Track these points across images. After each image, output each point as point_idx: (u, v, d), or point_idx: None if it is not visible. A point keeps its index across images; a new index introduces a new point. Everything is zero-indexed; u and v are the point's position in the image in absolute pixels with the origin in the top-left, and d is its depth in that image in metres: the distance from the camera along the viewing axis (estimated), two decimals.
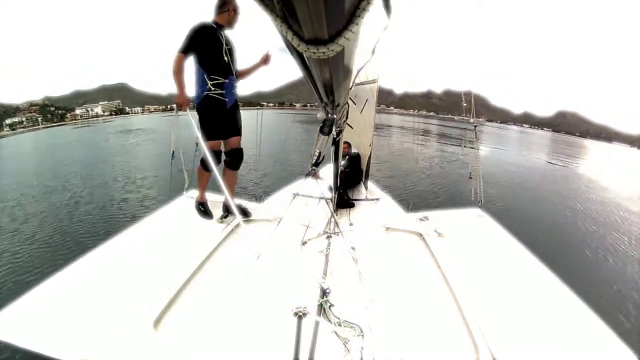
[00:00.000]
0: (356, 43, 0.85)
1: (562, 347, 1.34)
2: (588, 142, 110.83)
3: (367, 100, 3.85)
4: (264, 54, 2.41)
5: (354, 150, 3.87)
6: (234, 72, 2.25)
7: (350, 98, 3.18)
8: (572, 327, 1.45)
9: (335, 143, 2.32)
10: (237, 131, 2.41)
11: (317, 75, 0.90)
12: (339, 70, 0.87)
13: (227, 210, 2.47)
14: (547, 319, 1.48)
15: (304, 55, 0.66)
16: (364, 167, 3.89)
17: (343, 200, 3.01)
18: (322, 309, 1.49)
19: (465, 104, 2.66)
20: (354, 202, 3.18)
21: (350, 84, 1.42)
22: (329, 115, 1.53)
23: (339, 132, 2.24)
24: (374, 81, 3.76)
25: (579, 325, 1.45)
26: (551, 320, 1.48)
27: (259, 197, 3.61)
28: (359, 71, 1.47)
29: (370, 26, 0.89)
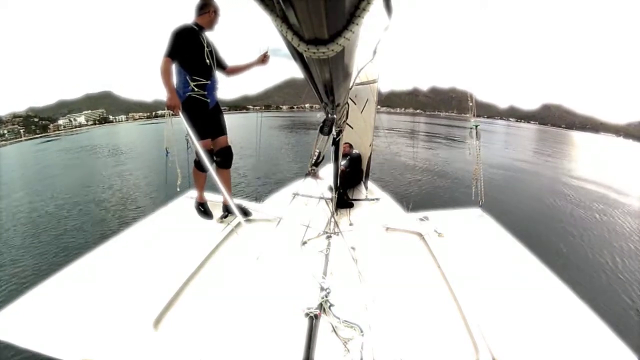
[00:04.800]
0: (356, 43, 0.85)
1: (562, 347, 1.34)
2: (576, 134, 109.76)
3: (367, 100, 3.84)
4: (262, 53, 2.40)
5: (354, 150, 3.87)
6: (215, 74, 2.28)
7: (350, 98, 3.17)
8: (572, 327, 1.45)
9: (336, 143, 2.32)
10: (223, 130, 2.44)
11: (317, 76, 0.90)
12: (339, 70, 0.87)
13: (227, 210, 2.47)
14: (547, 319, 1.48)
15: (304, 56, 0.66)
16: (364, 167, 3.89)
17: (343, 200, 3.00)
18: (322, 309, 1.49)
19: (471, 103, 2.66)
20: (354, 202, 3.17)
21: (350, 84, 1.42)
22: (329, 115, 1.53)
23: (339, 132, 2.24)
24: (374, 81, 3.76)
25: (579, 325, 1.45)
26: (551, 320, 1.48)
27: (259, 197, 3.59)
28: (359, 71, 1.47)
29: (371, 26, 0.89)
